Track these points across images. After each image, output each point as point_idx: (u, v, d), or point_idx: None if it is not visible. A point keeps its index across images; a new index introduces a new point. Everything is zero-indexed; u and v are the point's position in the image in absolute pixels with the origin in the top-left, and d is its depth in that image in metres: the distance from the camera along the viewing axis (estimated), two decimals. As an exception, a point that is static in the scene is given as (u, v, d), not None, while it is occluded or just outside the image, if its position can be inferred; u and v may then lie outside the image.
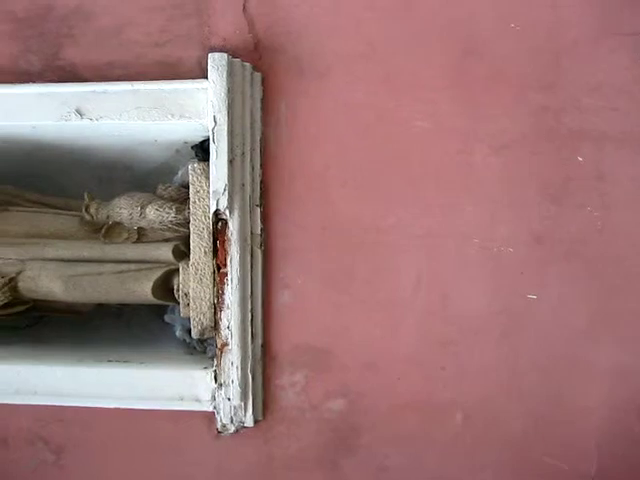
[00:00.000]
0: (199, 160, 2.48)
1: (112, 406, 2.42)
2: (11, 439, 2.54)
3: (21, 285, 2.56)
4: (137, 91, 2.35)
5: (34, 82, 2.46)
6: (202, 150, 2.48)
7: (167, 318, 2.70)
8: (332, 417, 2.42)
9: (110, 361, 2.50)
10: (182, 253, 2.51)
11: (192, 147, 2.50)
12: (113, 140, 2.57)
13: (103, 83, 2.38)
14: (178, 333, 2.64)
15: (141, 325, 2.88)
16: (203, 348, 2.57)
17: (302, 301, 2.39)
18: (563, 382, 2.37)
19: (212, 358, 2.47)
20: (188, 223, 2.45)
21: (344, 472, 2.44)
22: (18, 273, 2.56)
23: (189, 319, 2.50)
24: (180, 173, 2.61)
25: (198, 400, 2.38)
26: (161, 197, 2.54)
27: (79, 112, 2.37)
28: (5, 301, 2.56)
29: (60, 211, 2.69)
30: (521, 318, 2.36)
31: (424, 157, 2.37)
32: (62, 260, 2.54)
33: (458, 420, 2.40)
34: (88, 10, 2.47)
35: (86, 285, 2.50)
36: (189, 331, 2.57)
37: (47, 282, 2.52)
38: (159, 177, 2.71)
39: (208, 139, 2.44)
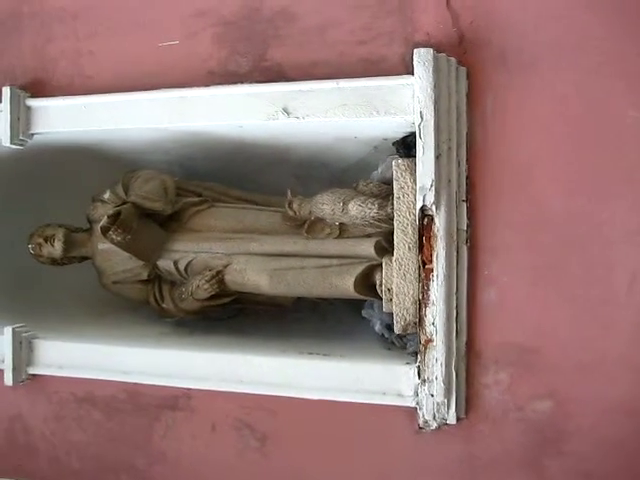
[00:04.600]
0: (400, 156, 2.48)
1: (315, 397, 2.46)
2: (218, 425, 2.65)
3: (228, 278, 2.68)
4: (342, 89, 2.38)
5: (242, 83, 2.54)
6: (403, 146, 2.48)
7: (365, 313, 2.72)
8: (537, 418, 2.34)
9: (311, 353, 2.54)
10: (383, 249, 2.53)
11: (393, 143, 2.51)
12: (313, 138, 2.63)
13: (308, 82, 2.43)
14: (377, 328, 2.65)
15: (336, 319, 2.94)
16: (402, 344, 2.57)
17: (508, 299, 2.33)
18: None
19: (413, 354, 2.47)
20: (390, 219, 2.46)
21: (548, 475, 2.36)
22: (225, 266, 2.68)
23: (388, 314, 2.52)
24: (380, 169, 2.63)
25: (400, 395, 2.38)
26: (362, 193, 2.57)
27: (286, 111, 2.44)
28: (212, 292, 2.70)
29: (262, 207, 2.79)
30: None
31: (639, 149, 2.24)
32: (266, 254, 2.63)
33: (673, 427, 2.26)
34: (293, 11, 2.53)
35: (290, 279, 2.58)
36: (388, 326, 2.60)
37: (253, 275, 2.62)
38: (355, 174, 2.75)
39: (410, 135, 2.45)
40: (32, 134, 2.76)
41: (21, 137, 2.74)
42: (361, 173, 2.73)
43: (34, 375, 2.83)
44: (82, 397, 2.83)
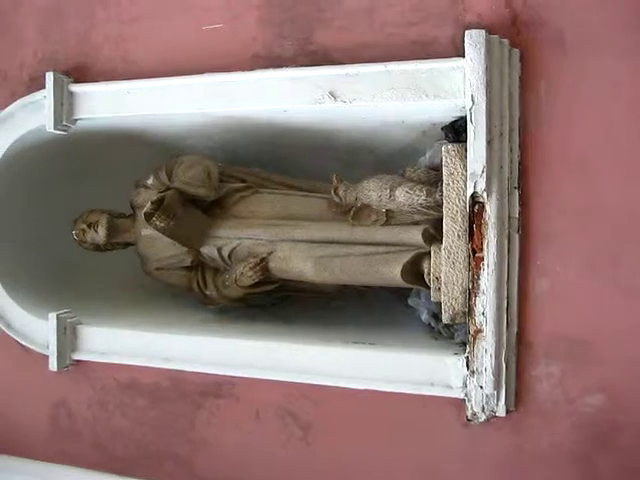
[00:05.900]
0: (449, 142, 2.41)
1: (360, 387, 2.43)
2: (262, 413, 2.63)
3: (272, 265, 2.65)
4: (391, 72, 2.32)
5: (287, 66, 2.49)
6: (453, 131, 2.41)
7: (411, 302, 2.67)
8: (589, 412, 2.28)
9: (356, 343, 2.50)
10: (431, 236, 2.47)
11: (442, 128, 2.44)
12: (360, 123, 2.58)
13: (356, 65, 2.38)
14: (424, 317, 2.60)
15: (382, 307, 2.89)
16: (449, 334, 2.52)
17: (561, 289, 2.26)
18: None
19: (461, 344, 2.42)
20: (438, 206, 2.40)
21: (599, 471, 2.29)
22: (269, 253, 2.65)
23: (435, 303, 2.47)
24: (428, 155, 2.56)
25: (449, 386, 2.34)
26: (410, 179, 2.51)
27: (333, 95, 2.39)
28: (256, 280, 2.68)
29: (307, 193, 2.75)
30: None
31: (700, 137, 2.15)
32: (311, 241, 2.59)
33: None
34: (339, -8, 2.46)
35: (335, 266, 2.53)
36: (435, 315, 2.54)
37: (298, 262, 2.58)
38: (402, 160, 2.69)
39: (459, 120, 2.38)
40: (75, 120, 2.75)
41: (64, 122, 2.74)
42: (408, 159, 2.67)
43: (78, 361, 2.85)
44: (125, 383, 2.83)
